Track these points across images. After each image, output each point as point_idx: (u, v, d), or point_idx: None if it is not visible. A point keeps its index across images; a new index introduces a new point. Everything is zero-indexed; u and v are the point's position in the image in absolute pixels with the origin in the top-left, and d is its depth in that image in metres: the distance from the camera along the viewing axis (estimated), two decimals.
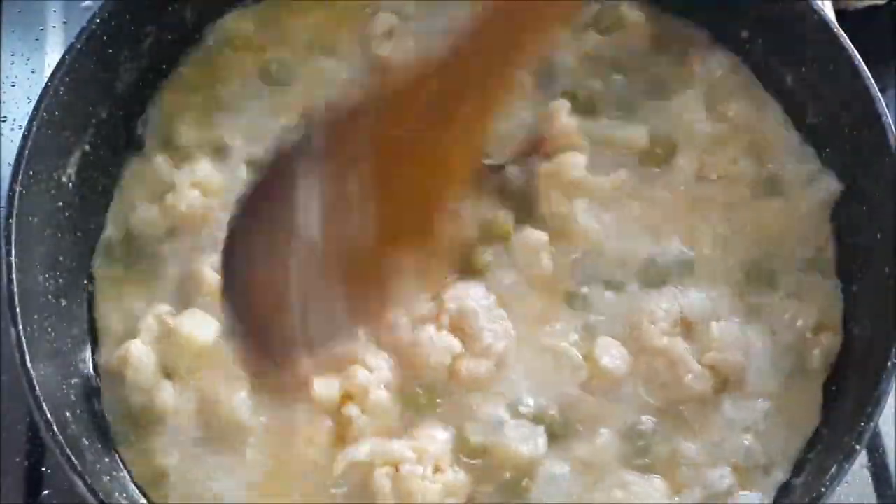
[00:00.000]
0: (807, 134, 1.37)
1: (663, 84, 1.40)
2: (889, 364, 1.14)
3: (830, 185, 1.32)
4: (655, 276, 1.30)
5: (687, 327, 1.27)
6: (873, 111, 1.24)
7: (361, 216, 0.91)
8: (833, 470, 1.10)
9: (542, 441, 1.21)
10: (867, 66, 1.27)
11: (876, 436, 1.39)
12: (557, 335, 1.27)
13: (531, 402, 1.23)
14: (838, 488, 1.11)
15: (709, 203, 1.34)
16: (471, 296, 1.25)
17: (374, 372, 1.21)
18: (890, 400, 1.13)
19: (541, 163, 1.31)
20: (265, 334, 0.93)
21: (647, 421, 1.23)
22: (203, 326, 1.24)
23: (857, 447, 1.11)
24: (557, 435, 1.22)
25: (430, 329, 1.23)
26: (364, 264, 0.93)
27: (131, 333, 1.25)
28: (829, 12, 1.45)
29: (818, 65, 1.32)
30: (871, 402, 1.13)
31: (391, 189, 0.92)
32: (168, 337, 1.24)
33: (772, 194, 1.34)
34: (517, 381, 1.24)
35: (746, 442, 1.22)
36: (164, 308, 1.26)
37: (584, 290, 1.29)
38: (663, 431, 1.23)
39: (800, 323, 1.27)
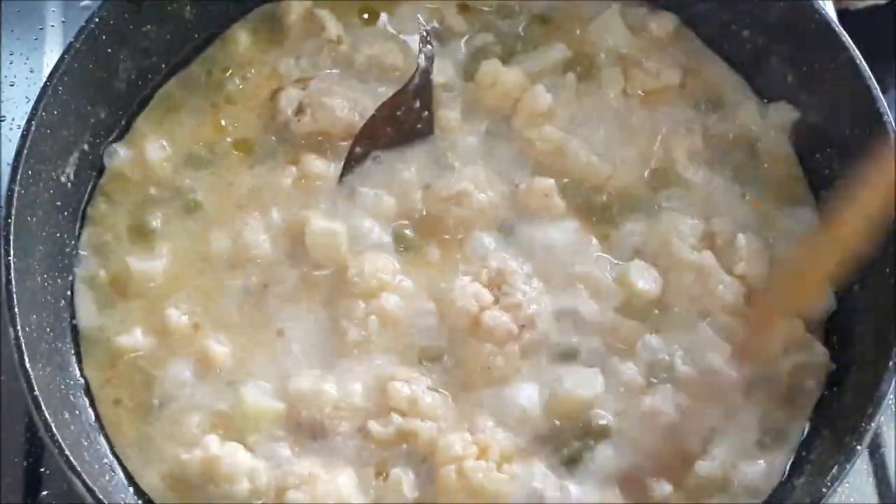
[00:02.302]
0: (808, 133, 1.37)
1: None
2: (889, 364, 1.14)
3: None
4: (663, 183, 1.35)
5: (711, 241, 1.31)
6: (874, 111, 1.24)
7: None
8: (834, 470, 1.10)
9: (599, 381, 1.24)
10: (868, 65, 1.27)
11: (876, 436, 1.39)
12: (590, 264, 1.30)
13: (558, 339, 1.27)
14: (839, 488, 1.11)
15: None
16: (510, 259, 1.29)
17: (413, 382, 1.22)
18: (890, 400, 1.13)
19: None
20: None
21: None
22: None
23: (858, 447, 1.11)
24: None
25: (466, 279, 1.27)
26: None
27: None
28: (831, 12, 1.45)
29: (819, 64, 1.32)
30: (871, 403, 1.13)
31: None
32: None
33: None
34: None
35: None
36: None
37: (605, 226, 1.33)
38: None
39: None
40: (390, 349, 1.26)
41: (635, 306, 1.28)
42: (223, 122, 1.39)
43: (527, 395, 1.23)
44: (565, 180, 1.35)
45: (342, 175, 1.34)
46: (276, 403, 1.22)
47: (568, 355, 1.26)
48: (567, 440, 1.22)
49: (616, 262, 1.31)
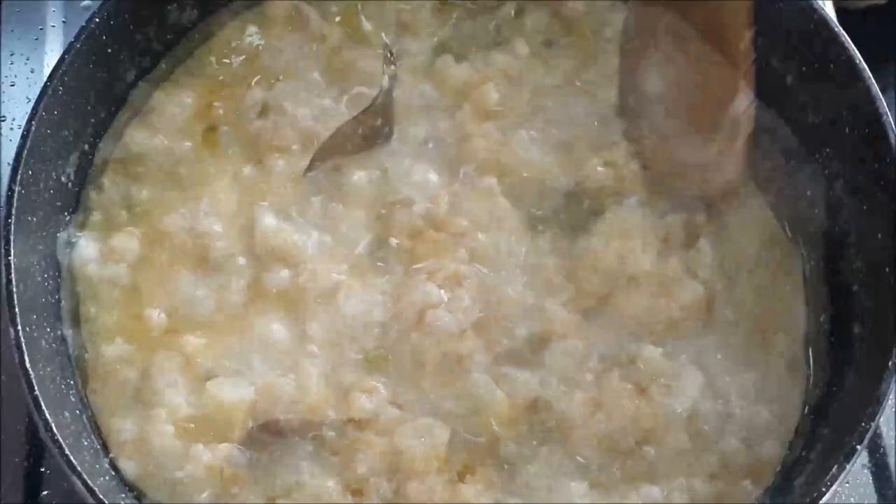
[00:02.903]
0: (807, 134, 1.37)
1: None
2: (889, 364, 1.14)
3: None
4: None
5: (667, 245, 1.31)
6: (874, 111, 1.24)
7: None
8: (833, 470, 1.10)
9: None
10: (868, 65, 1.26)
11: (876, 436, 1.40)
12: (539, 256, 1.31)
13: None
14: (839, 488, 1.11)
15: None
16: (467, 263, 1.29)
17: (374, 393, 1.22)
18: (890, 400, 1.13)
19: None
20: None
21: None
22: None
23: (858, 447, 1.11)
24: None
25: (422, 277, 1.27)
26: None
27: None
28: (830, 12, 1.45)
29: (818, 65, 1.32)
30: (871, 402, 1.13)
31: None
32: None
33: None
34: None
35: None
36: None
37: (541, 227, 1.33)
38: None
39: None
40: (341, 346, 1.25)
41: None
42: (200, 106, 1.38)
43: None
44: (512, 180, 1.34)
45: (304, 173, 1.34)
46: (246, 397, 1.21)
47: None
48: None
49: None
